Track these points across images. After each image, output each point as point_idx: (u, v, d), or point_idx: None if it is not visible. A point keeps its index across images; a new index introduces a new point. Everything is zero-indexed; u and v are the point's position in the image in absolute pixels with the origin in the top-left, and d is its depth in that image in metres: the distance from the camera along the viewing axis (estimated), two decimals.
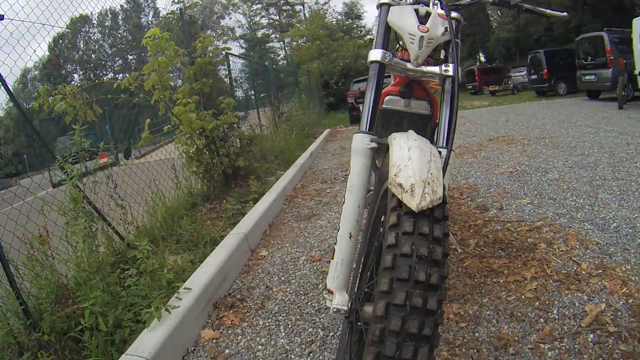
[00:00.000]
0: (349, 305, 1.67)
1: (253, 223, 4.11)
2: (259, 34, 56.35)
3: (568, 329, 2.29)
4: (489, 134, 9.06)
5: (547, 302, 2.55)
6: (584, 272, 2.83)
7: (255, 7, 57.67)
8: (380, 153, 1.75)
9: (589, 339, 2.20)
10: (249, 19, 57.84)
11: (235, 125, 6.39)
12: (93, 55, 52.20)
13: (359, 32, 55.52)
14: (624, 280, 2.67)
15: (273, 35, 54.17)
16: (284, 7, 57.61)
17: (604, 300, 2.50)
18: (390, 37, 1.97)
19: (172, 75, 5.29)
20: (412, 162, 1.29)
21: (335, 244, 1.73)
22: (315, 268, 3.42)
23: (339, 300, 1.67)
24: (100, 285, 2.68)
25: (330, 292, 1.71)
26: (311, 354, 2.38)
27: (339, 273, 1.70)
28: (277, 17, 57.84)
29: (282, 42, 52.24)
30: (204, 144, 5.27)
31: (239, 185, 5.76)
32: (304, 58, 29.23)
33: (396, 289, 1.12)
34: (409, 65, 1.91)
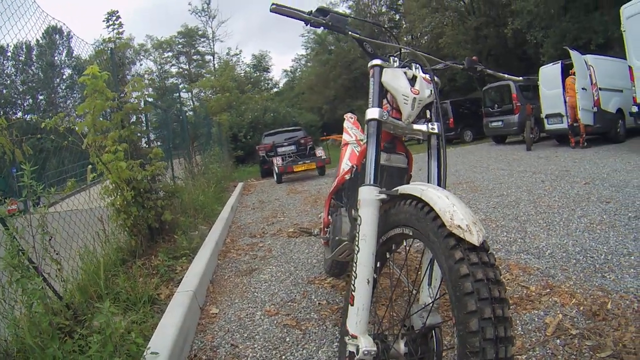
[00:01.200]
0: (378, 347, 1.83)
1: (198, 280, 3.98)
2: (168, 82, 55.68)
3: (536, 340, 2.64)
4: None
5: None
6: (533, 293, 3.26)
7: (166, 54, 57.26)
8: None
9: (557, 343, 2.56)
10: (159, 67, 57.23)
11: (159, 177, 6.23)
12: (4, 91, 48.67)
13: (266, 84, 56.11)
14: (571, 294, 3.14)
15: (182, 85, 53.55)
16: (194, 57, 57.55)
17: (558, 312, 2.92)
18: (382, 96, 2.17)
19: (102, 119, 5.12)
20: (457, 207, 1.52)
21: (353, 290, 1.86)
22: (275, 322, 3.37)
23: (366, 343, 1.80)
24: (59, 354, 2.46)
25: (354, 337, 1.84)
26: None
27: (361, 318, 1.86)
28: (187, 67, 57.65)
29: (190, 93, 51.71)
30: (132, 195, 5.05)
31: (165, 241, 5.57)
32: (214, 109, 29.08)
33: (482, 306, 1.35)
34: (400, 123, 2.15)
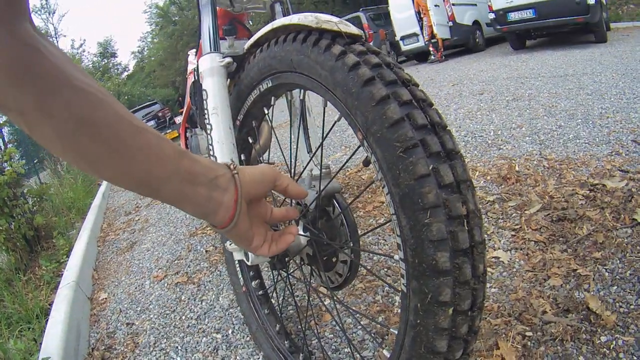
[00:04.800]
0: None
1: (78, 269, 3.52)
2: None
3: None
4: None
5: None
6: None
7: None
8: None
9: None
10: None
11: (21, 180, 5.56)
12: None
13: (116, 70, 52.89)
14: (471, 168, 2.96)
15: None
16: None
17: None
18: None
19: None
20: (321, 15, 1.10)
21: None
22: (166, 285, 3.05)
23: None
24: None
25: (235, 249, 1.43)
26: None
27: None
28: None
29: None
30: None
31: (45, 248, 5.02)
32: None
33: (395, 90, 0.92)
34: None
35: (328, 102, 1.10)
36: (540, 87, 5.13)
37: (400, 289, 0.96)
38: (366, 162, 1.00)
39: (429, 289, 0.86)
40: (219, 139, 1.43)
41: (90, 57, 51.52)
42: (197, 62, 1.57)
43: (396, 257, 0.95)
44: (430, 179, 0.84)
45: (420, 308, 0.89)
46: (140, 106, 19.42)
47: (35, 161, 10.51)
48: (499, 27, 9.85)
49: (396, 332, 1.01)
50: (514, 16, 9.30)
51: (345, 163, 1.28)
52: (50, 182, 9.03)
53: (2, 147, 5.81)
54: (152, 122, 16.25)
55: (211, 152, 1.45)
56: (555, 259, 1.94)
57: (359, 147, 1.03)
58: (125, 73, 54.21)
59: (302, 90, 1.50)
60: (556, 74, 5.64)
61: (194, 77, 1.65)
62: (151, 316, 2.70)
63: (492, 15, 9.87)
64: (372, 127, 0.91)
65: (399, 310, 1.91)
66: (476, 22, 12.80)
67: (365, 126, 0.93)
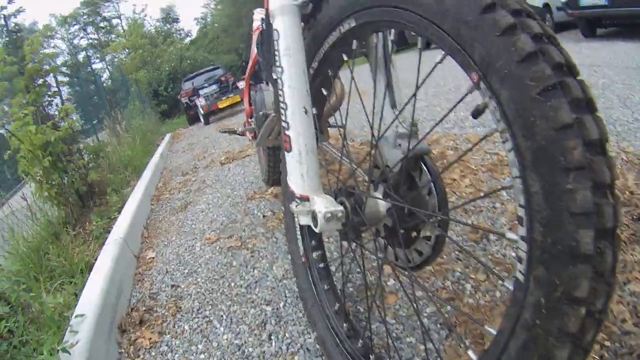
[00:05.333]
0: (345, 206, 1.21)
1: (128, 225, 3.37)
2: (80, 57, 51.91)
3: None
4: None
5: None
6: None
7: (72, 28, 53.07)
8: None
9: None
10: (69, 43, 52.99)
11: (78, 137, 5.50)
12: None
13: (178, 35, 53.36)
14: None
15: (95, 56, 49.92)
16: (101, 24, 53.59)
17: None
18: None
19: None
20: None
21: (286, 129, 1.18)
22: (218, 248, 2.85)
23: (326, 204, 1.16)
24: None
25: (305, 199, 1.20)
26: (273, 336, 1.81)
27: (307, 167, 1.18)
28: (96, 36, 53.83)
29: (103, 62, 48.10)
30: (51, 161, 4.34)
31: (98, 204, 4.92)
32: (129, 69, 26.97)
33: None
34: None
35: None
36: (613, 77, 4.72)
37: (513, 277, 0.73)
38: (476, 112, 0.79)
39: (562, 280, 0.65)
40: (291, 83, 1.19)
41: (153, 22, 52.05)
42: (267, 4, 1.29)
43: (511, 235, 0.73)
44: (575, 131, 0.63)
45: (544, 304, 0.67)
46: (202, 70, 19.17)
47: (95, 121, 10.59)
48: (570, 11, 9.22)
49: (494, 332, 0.79)
50: (586, 2, 8.67)
51: (456, 105, 0.98)
52: (108, 140, 9.03)
53: (60, 105, 5.74)
54: (214, 86, 15.92)
55: (280, 100, 1.21)
56: (636, 262, 1.72)
57: (470, 91, 0.79)
58: (188, 38, 54.55)
59: (387, 33, 1.23)
60: (629, 66, 5.21)
61: (262, 27, 1.42)
62: (198, 280, 2.50)
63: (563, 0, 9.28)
64: (495, 63, 0.70)
65: (495, 305, 1.68)
66: (546, 5, 12.06)
67: (485, 61, 0.72)
